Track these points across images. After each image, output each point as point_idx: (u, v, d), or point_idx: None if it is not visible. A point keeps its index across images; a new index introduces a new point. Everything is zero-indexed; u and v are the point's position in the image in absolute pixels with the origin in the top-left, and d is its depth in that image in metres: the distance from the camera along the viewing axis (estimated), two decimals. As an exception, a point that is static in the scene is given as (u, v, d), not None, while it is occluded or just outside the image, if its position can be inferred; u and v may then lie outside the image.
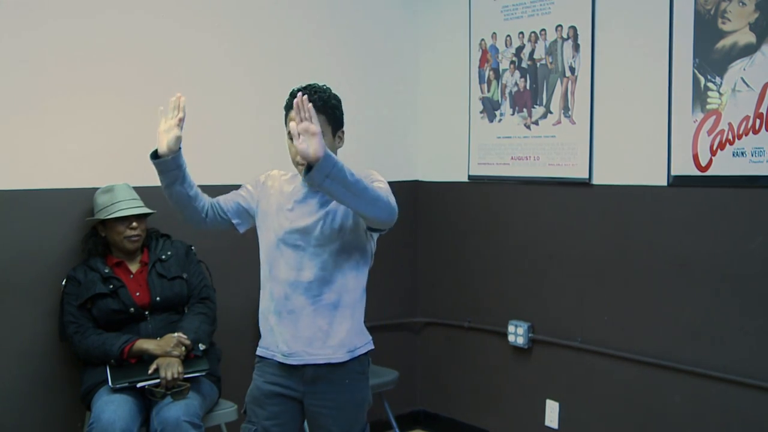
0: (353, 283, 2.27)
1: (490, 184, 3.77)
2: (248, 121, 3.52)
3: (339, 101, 2.28)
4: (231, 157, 3.47)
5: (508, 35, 3.63)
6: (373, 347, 2.35)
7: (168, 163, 2.17)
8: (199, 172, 3.34)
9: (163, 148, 2.16)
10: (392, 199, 2.14)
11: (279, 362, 2.26)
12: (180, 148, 2.18)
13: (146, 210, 2.94)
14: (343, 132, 2.29)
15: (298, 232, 2.23)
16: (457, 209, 3.93)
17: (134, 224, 2.90)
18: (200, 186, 3.34)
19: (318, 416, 2.28)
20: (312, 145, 1.93)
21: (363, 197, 2.02)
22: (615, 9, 3.22)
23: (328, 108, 2.23)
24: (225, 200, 2.39)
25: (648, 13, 3.08)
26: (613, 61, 3.23)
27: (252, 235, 3.48)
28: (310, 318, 2.22)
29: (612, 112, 3.25)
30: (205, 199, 2.35)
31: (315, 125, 1.94)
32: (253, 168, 3.51)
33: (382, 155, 3.91)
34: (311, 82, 2.27)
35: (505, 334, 3.65)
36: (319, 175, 1.94)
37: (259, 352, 2.33)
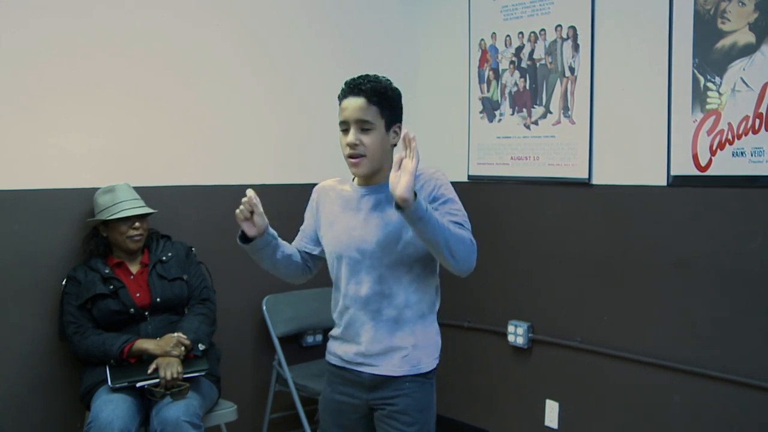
0: (415, 297, 2.17)
1: (489, 184, 3.77)
2: (252, 120, 3.52)
3: (398, 94, 2.15)
4: (235, 157, 3.47)
5: (508, 35, 3.63)
6: (435, 365, 2.25)
7: (262, 240, 2.15)
8: (206, 172, 3.38)
9: (253, 231, 2.12)
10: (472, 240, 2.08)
11: (341, 368, 2.23)
12: (267, 222, 2.15)
13: (148, 210, 2.94)
14: (399, 127, 2.13)
15: (354, 244, 2.15)
16: (457, 209, 3.92)
17: (137, 224, 2.90)
18: (207, 186, 3.38)
19: (385, 422, 2.19)
20: (402, 183, 1.88)
21: (448, 242, 1.98)
22: (614, 9, 3.22)
23: (382, 100, 2.09)
24: (305, 239, 2.32)
25: (647, 13, 3.08)
26: (613, 61, 3.23)
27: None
28: (370, 333, 2.17)
29: (611, 112, 3.25)
30: (295, 249, 2.31)
31: (413, 163, 1.91)
32: (259, 168, 3.54)
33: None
34: (369, 73, 2.15)
35: (504, 334, 3.66)
36: (408, 218, 1.92)
37: (328, 358, 2.30)
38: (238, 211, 2.13)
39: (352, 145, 2.07)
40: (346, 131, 2.09)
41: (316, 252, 2.30)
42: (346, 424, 2.24)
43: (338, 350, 2.24)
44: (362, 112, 2.06)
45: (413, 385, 2.17)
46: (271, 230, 2.19)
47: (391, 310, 2.15)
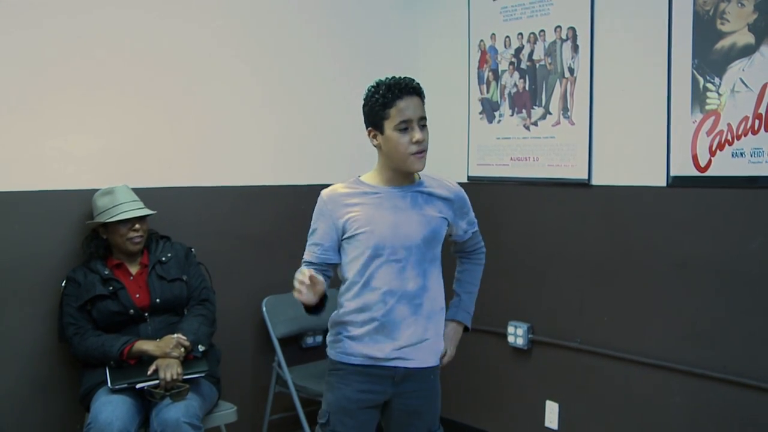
0: (438, 290, 2.32)
1: (489, 184, 3.77)
2: (252, 121, 3.52)
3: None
4: (235, 158, 3.47)
5: (507, 36, 3.63)
6: None
7: (324, 304, 2.20)
8: (205, 173, 3.38)
9: (313, 299, 2.11)
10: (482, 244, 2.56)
11: (365, 366, 2.24)
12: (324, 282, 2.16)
13: (148, 211, 2.94)
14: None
15: (400, 240, 2.22)
16: (457, 210, 3.92)
17: (137, 226, 2.90)
18: (207, 187, 3.38)
19: (407, 415, 2.31)
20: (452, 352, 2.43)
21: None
22: (614, 10, 3.22)
23: (424, 98, 2.27)
24: (328, 252, 2.28)
25: (647, 13, 3.09)
26: (612, 62, 3.23)
27: (251, 237, 3.50)
28: (411, 327, 2.25)
29: (611, 112, 3.26)
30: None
31: (450, 356, 2.40)
32: (259, 169, 3.54)
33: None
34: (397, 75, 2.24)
35: (504, 335, 3.65)
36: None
37: (342, 358, 2.28)
38: (295, 292, 2.09)
39: (420, 141, 2.18)
40: (405, 130, 2.17)
41: (336, 261, 2.30)
42: (366, 420, 2.28)
43: (364, 350, 2.24)
44: (421, 110, 2.21)
45: (435, 377, 2.36)
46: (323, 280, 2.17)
47: (428, 304, 2.28)
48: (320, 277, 2.12)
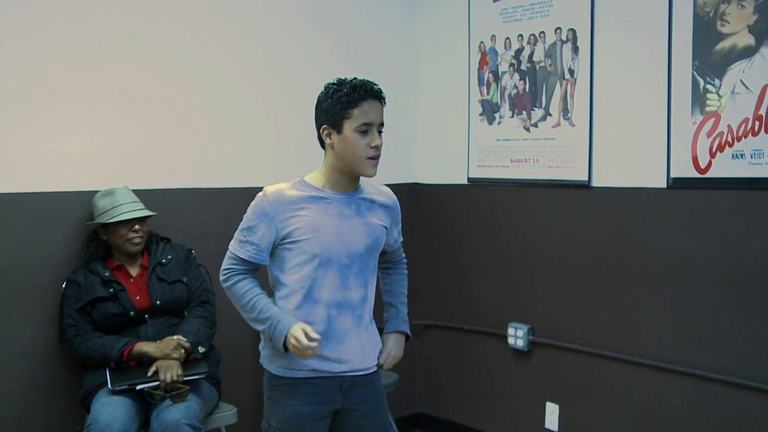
0: (373, 299, 2.32)
1: (489, 186, 3.77)
2: (251, 122, 3.52)
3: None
4: (234, 160, 3.47)
5: (508, 38, 3.63)
6: None
7: None
8: (205, 175, 3.38)
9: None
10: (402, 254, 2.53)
11: (313, 378, 2.20)
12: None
13: (147, 212, 2.94)
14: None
15: (345, 249, 2.18)
16: (457, 212, 3.93)
17: (137, 227, 2.90)
18: (207, 188, 3.38)
19: (361, 419, 2.28)
20: (400, 355, 2.41)
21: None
22: (614, 11, 3.22)
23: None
24: (263, 252, 2.20)
25: (647, 15, 3.09)
26: (613, 63, 3.23)
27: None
28: (353, 337, 2.23)
29: (611, 114, 3.26)
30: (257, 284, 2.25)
31: (397, 358, 2.40)
32: (258, 170, 3.54)
33: (382, 158, 3.90)
34: (357, 77, 2.22)
35: (504, 337, 3.65)
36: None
37: (286, 373, 2.21)
38: (308, 359, 2.12)
39: (378, 147, 2.15)
40: (365, 133, 2.14)
41: (267, 263, 2.23)
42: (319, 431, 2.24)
43: (310, 363, 2.17)
44: (382, 115, 2.18)
45: (378, 378, 2.35)
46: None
47: (367, 314, 2.27)
48: (314, 335, 2.08)
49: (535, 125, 3.54)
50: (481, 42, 3.76)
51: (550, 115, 3.47)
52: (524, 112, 3.58)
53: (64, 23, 2.97)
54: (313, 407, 2.19)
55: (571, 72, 3.37)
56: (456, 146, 3.90)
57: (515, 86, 3.62)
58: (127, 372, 2.76)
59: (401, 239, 2.46)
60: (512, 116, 3.64)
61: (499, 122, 3.70)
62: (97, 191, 2.98)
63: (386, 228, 2.31)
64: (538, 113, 3.52)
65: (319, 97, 2.23)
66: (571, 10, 3.35)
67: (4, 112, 2.86)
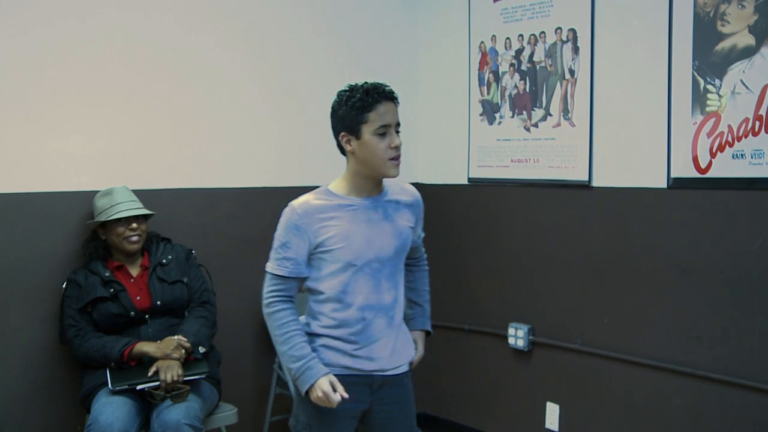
0: (403, 299, 2.35)
1: (489, 186, 3.77)
2: (252, 122, 3.52)
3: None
4: (235, 160, 3.47)
5: (508, 38, 3.63)
6: None
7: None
8: (206, 175, 3.38)
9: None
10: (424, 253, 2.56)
11: (343, 375, 2.22)
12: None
13: (145, 211, 2.94)
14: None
15: (374, 253, 2.21)
16: (457, 212, 3.93)
17: (134, 225, 2.90)
18: (207, 189, 3.38)
19: (388, 421, 2.32)
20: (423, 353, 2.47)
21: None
22: (614, 11, 3.22)
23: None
24: (301, 266, 2.22)
25: (647, 15, 3.09)
26: (613, 64, 3.23)
27: (252, 239, 3.50)
28: (385, 338, 2.26)
29: (612, 114, 3.26)
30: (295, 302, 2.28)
31: (420, 354, 2.45)
32: (259, 170, 3.54)
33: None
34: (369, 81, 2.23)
35: (505, 337, 3.65)
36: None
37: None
38: (333, 405, 2.15)
39: (398, 147, 2.18)
40: (383, 135, 2.16)
41: (306, 275, 2.25)
42: (347, 431, 2.27)
43: (342, 360, 2.22)
44: (398, 116, 2.21)
45: (408, 380, 2.37)
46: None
47: (398, 314, 2.30)
48: (342, 390, 2.15)
49: (536, 125, 3.54)
50: (482, 42, 3.76)
51: (551, 115, 3.47)
52: (524, 112, 3.58)
53: (65, 23, 2.97)
54: (343, 405, 2.19)
55: (572, 72, 3.37)
56: (456, 146, 3.90)
57: (515, 86, 3.62)
58: (128, 372, 2.76)
59: (423, 235, 2.49)
60: (512, 116, 3.64)
61: (500, 122, 3.70)
62: (98, 191, 2.98)
63: (413, 228, 2.35)
64: (538, 113, 3.52)
65: (333, 105, 2.23)
66: (572, 10, 3.35)
67: (4, 112, 2.86)
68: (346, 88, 2.21)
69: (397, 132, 2.20)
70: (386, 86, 2.20)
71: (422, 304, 2.52)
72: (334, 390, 2.13)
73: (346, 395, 2.13)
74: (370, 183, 2.23)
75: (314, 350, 2.22)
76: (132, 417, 2.66)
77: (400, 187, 2.36)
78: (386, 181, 2.31)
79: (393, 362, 2.29)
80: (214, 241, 3.38)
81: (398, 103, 2.23)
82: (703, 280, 2.96)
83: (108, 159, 3.10)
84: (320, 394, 2.12)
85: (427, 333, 2.52)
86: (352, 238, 2.18)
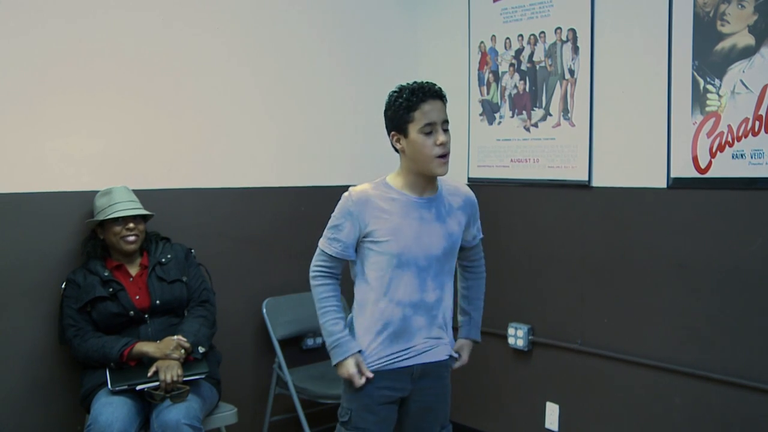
0: (450, 301, 2.42)
1: (489, 186, 3.77)
2: (252, 122, 3.52)
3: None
4: (235, 160, 3.47)
5: (508, 38, 3.63)
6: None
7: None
8: (206, 175, 3.38)
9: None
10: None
11: (383, 367, 2.31)
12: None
13: (142, 211, 2.94)
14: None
15: (423, 251, 2.27)
16: (457, 212, 3.92)
17: (131, 225, 2.90)
18: (207, 189, 3.38)
19: (423, 411, 2.39)
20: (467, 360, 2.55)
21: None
22: (614, 11, 3.22)
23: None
24: (348, 249, 2.32)
25: (647, 15, 3.09)
26: (613, 64, 3.24)
27: (251, 239, 3.50)
28: (424, 334, 2.33)
29: (611, 114, 3.26)
30: (339, 279, 2.40)
31: (464, 362, 2.54)
32: (259, 170, 3.54)
33: (382, 158, 3.92)
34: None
35: (504, 337, 3.65)
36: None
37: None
38: (357, 386, 2.29)
39: (444, 144, 2.21)
40: (429, 133, 2.20)
41: (353, 258, 2.34)
42: (387, 416, 2.33)
43: (382, 353, 2.30)
44: (445, 114, 2.25)
45: (448, 374, 2.46)
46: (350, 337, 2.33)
47: (442, 315, 2.36)
48: (367, 372, 2.27)
49: (536, 125, 3.54)
50: (481, 42, 3.76)
51: (551, 115, 3.47)
52: (524, 112, 3.58)
53: (65, 23, 2.97)
54: (383, 391, 2.30)
55: (571, 72, 3.37)
56: (456, 146, 3.87)
57: (515, 86, 3.62)
58: (127, 372, 2.76)
59: (481, 236, 2.53)
60: (512, 116, 3.64)
61: (500, 122, 3.70)
62: (98, 191, 2.98)
63: (463, 229, 2.39)
64: (538, 113, 3.52)
65: (385, 106, 2.30)
66: (571, 10, 3.35)
67: (4, 112, 2.86)
68: (396, 89, 2.28)
69: (446, 130, 2.24)
70: (433, 85, 2.25)
71: (471, 312, 2.58)
72: (361, 373, 2.26)
73: (370, 375, 2.26)
74: (422, 180, 2.29)
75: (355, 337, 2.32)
76: (132, 417, 2.66)
77: (454, 186, 2.41)
78: (441, 181, 2.35)
79: (434, 354, 2.36)
80: (214, 240, 3.38)
81: (446, 100, 2.27)
82: (703, 280, 2.96)
83: (108, 159, 3.10)
84: (346, 374, 2.26)
85: (475, 342, 2.58)
86: (401, 233, 2.25)
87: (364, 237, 2.28)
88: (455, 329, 2.50)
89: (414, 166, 2.26)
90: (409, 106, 2.20)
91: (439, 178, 2.32)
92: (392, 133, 2.27)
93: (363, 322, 2.33)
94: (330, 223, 2.33)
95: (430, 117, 2.20)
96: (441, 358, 2.39)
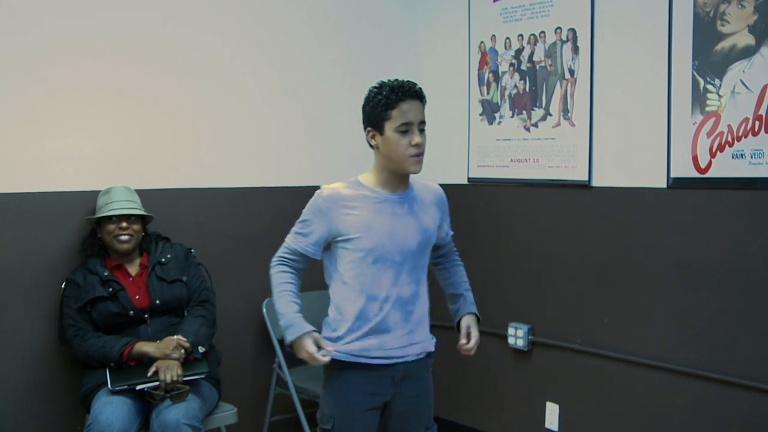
0: (426, 297, 2.40)
1: (489, 186, 3.77)
2: (252, 122, 3.52)
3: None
4: (235, 160, 3.47)
5: (508, 38, 3.63)
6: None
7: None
8: (206, 175, 3.38)
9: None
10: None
11: (363, 365, 2.28)
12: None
13: (138, 211, 2.93)
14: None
15: (397, 247, 2.27)
16: (457, 211, 3.88)
17: (124, 224, 2.89)
18: (207, 188, 3.38)
19: (406, 413, 2.37)
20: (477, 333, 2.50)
21: None
22: (614, 11, 3.22)
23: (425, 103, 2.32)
24: (311, 245, 2.31)
25: (647, 15, 3.09)
26: (613, 63, 3.23)
27: (251, 238, 3.50)
28: (400, 331, 2.31)
29: (611, 114, 3.25)
30: (295, 275, 2.37)
31: (476, 337, 2.49)
32: (259, 170, 3.54)
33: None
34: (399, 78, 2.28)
35: (504, 337, 3.65)
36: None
37: (338, 356, 2.28)
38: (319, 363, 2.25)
39: (419, 145, 2.21)
40: (405, 132, 2.21)
41: (316, 257, 2.33)
42: (369, 423, 2.31)
43: (362, 351, 2.27)
44: (422, 114, 2.25)
45: (429, 374, 2.43)
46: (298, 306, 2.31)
47: (418, 311, 2.34)
48: (326, 346, 2.24)
49: (535, 125, 3.54)
50: (481, 42, 3.76)
51: (551, 115, 3.47)
52: (524, 112, 3.58)
53: (65, 23, 2.97)
54: (365, 397, 2.29)
55: (571, 72, 3.37)
56: (456, 146, 3.90)
57: (515, 86, 3.62)
58: (127, 372, 2.76)
59: (452, 233, 2.54)
60: (512, 116, 3.64)
61: (499, 122, 3.70)
62: (98, 191, 2.98)
63: (437, 225, 2.39)
64: (538, 113, 3.52)
65: (363, 100, 2.30)
66: (571, 10, 3.35)
67: (4, 112, 2.86)
68: (376, 85, 2.27)
69: (422, 130, 2.24)
70: (414, 84, 2.24)
71: (462, 293, 2.55)
72: (319, 347, 2.22)
73: (330, 349, 2.23)
74: (395, 178, 2.29)
75: (334, 340, 2.29)
76: (132, 417, 2.66)
77: (424, 185, 2.41)
78: (412, 179, 2.36)
79: (410, 349, 2.33)
80: (214, 240, 3.38)
81: (425, 101, 2.27)
82: (703, 280, 2.96)
83: (108, 159, 3.10)
84: (305, 354, 2.21)
85: (477, 317, 2.53)
86: (373, 230, 2.24)
87: (336, 237, 2.27)
88: (430, 331, 2.47)
89: (387, 164, 2.26)
90: (387, 104, 2.20)
91: (410, 176, 2.32)
92: (368, 128, 2.27)
93: (339, 321, 2.30)
94: (299, 219, 2.34)
95: (407, 117, 2.20)
96: (420, 356, 2.37)
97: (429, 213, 2.36)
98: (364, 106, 2.28)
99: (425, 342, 2.40)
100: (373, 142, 2.28)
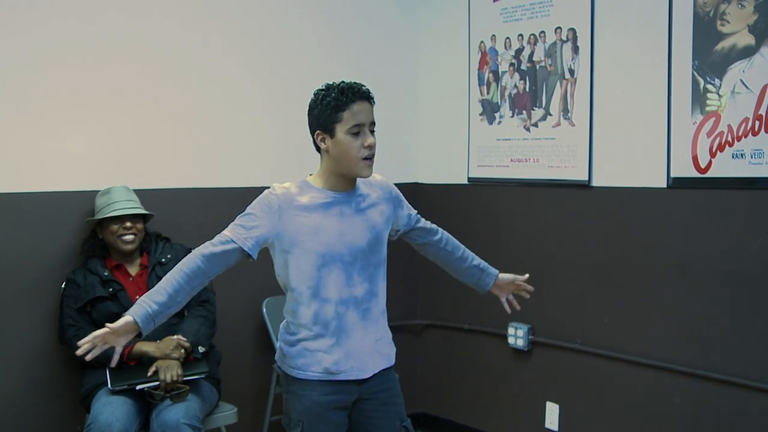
0: (383, 293, 2.34)
1: (489, 186, 3.77)
2: (251, 122, 3.52)
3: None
4: (234, 160, 3.47)
5: (508, 37, 3.63)
6: None
7: (146, 328, 2.17)
8: (205, 174, 3.38)
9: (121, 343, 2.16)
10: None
11: (325, 380, 2.23)
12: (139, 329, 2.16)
13: (140, 211, 2.94)
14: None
15: (346, 246, 2.22)
16: (457, 211, 3.93)
17: (128, 224, 2.90)
18: (207, 188, 3.38)
19: (380, 405, 2.31)
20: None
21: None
22: (614, 11, 3.22)
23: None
24: (251, 240, 2.20)
25: (647, 15, 3.09)
26: (613, 63, 3.23)
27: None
28: (360, 332, 2.25)
29: (611, 114, 3.25)
30: (204, 278, 2.23)
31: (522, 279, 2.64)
32: (258, 170, 3.54)
33: (382, 157, 3.89)
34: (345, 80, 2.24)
35: (504, 337, 3.65)
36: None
37: (299, 374, 2.23)
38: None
39: (371, 146, 2.18)
40: (357, 134, 2.17)
41: (251, 255, 2.23)
42: (338, 421, 2.25)
43: (323, 363, 2.21)
44: (372, 115, 2.20)
45: (393, 370, 2.38)
46: (149, 311, 2.15)
47: (375, 308, 2.29)
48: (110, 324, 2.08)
49: (536, 125, 3.54)
50: (481, 42, 3.76)
51: (551, 114, 3.47)
52: (524, 111, 3.58)
53: (65, 24, 2.97)
54: (331, 397, 2.22)
55: (571, 72, 3.36)
56: (456, 146, 3.90)
57: (515, 86, 3.62)
58: (127, 372, 2.76)
59: (416, 211, 2.48)
60: (512, 116, 3.64)
61: (500, 122, 3.70)
62: (97, 191, 2.98)
63: (389, 218, 2.35)
64: (538, 113, 3.52)
65: (310, 104, 2.26)
66: (571, 10, 3.35)
67: (4, 112, 2.86)
68: (323, 87, 2.24)
69: (372, 132, 2.20)
70: (362, 86, 2.21)
71: (473, 263, 2.60)
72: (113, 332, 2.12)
73: (112, 325, 2.09)
74: (343, 181, 2.25)
75: (294, 356, 2.24)
76: (132, 417, 2.66)
77: (367, 182, 2.34)
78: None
79: (372, 360, 2.27)
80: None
81: (374, 102, 2.23)
82: (703, 280, 2.96)
83: (108, 159, 3.10)
84: (113, 326, 2.10)
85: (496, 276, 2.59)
86: (322, 231, 2.19)
87: (282, 240, 2.20)
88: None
89: (336, 167, 2.21)
90: (337, 106, 2.16)
91: None
92: (317, 132, 2.22)
93: (297, 326, 2.25)
94: (243, 213, 2.25)
95: (358, 118, 2.16)
96: (386, 365, 2.33)
97: (377, 208, 2.30)
98: (311, 110, 2.24)
99: (389, 352, 2.36)
100: (322, 146, 2.22)
